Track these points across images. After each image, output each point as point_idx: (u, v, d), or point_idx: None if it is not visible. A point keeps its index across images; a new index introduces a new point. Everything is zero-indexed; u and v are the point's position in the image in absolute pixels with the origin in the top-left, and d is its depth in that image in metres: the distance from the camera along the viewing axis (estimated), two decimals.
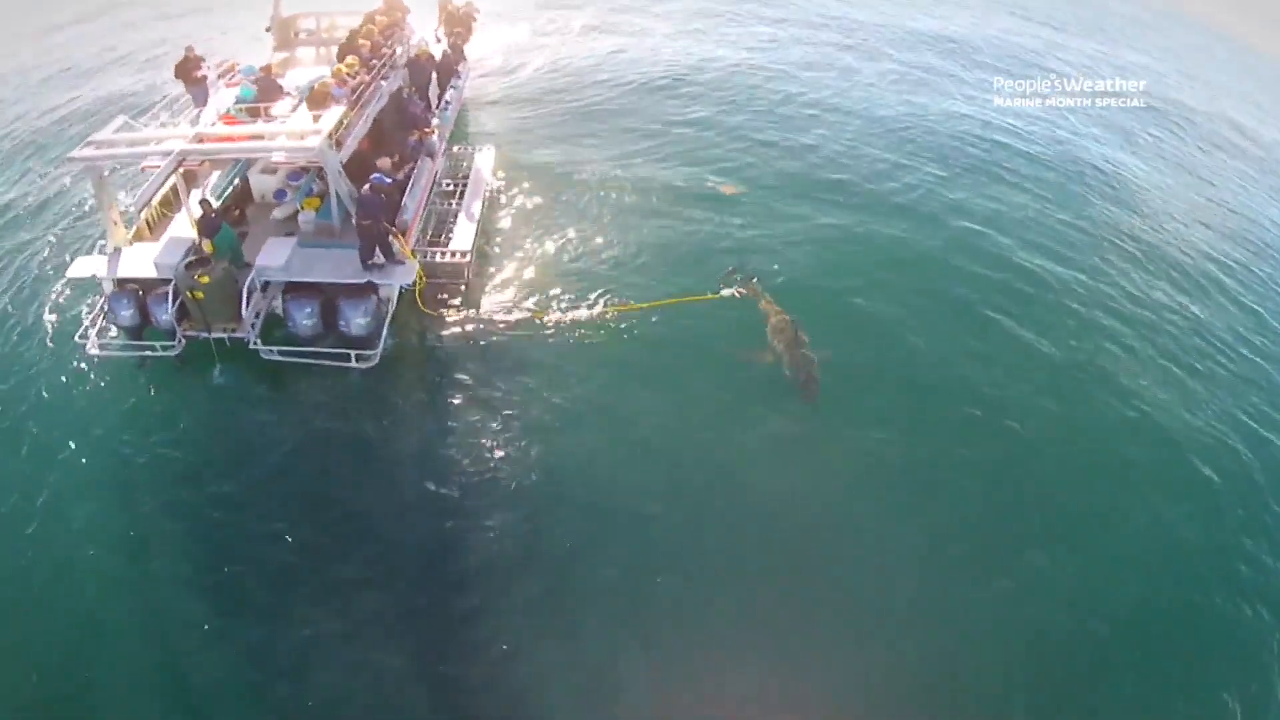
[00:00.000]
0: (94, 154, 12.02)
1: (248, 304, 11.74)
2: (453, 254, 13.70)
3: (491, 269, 14.53)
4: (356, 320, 11.92)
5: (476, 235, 14.29)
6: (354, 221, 12.14)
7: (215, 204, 13.29)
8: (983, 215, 16.97)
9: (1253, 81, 34.26)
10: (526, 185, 17.03)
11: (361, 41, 14.74)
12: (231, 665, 8.92)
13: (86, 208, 16.37)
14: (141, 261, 12.27)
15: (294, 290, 12.11)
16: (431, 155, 15.23)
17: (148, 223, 13.27)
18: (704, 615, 9.32)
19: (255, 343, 11.76)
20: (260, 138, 12.23)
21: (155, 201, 13.12)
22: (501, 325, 13.12)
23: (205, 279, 11.50)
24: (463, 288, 13.68)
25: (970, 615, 9.45)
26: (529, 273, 14.44)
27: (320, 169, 12.66)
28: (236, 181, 14.72)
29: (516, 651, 9.02)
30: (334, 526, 10.29)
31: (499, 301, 13.69)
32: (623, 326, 13.10)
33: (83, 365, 12.22)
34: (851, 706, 8.50)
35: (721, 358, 12.59)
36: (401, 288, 12.60)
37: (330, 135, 12.07)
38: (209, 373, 12.07)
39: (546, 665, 8.90)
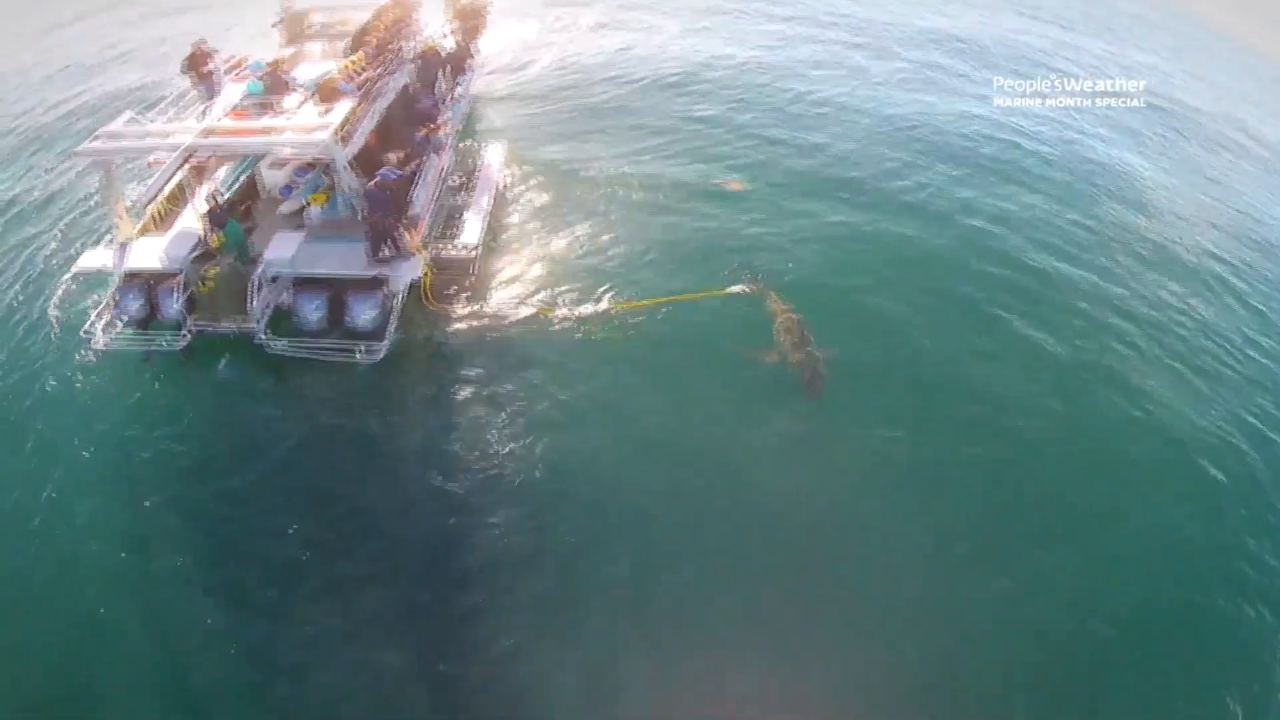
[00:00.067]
0: (102, 147, 12.07)
1: (255, 297, 11.76)
2: (460, 248, 13.70)
3: (499, 264, 14.51)
4: (364, 314, 11.96)
5: (484, 230, 14.29)
6: (361, 216, 12.14)
7: (223, 198, 13.31)
8: (990, 214, 16.87)
9: (1253, 81, 34.07)
10: (535, 181, 17.02)
11: (369, 37, 14.72)
12: (232, 664, 8.93)
13: (91, 202, 16.43)
14: (150, 254, 12.32)
15: (302, 284, 12.15)
16: (439, 150, 15.21)
17: (154, 217, 13.30)
18: (707, 614, 9.30)
19: (263, 336, 11.78)
20: (268, 132, 12.26)
21: (163, 195, 13.15)
22: (508, 321, 13.10)
23: (213, 272, 11.53)
24: (470, 282, 13.67)
25: (972, 614, 9.43)
26: (536, 268, 14.42)
27: (328, 164, 12.68)
28: (244, 176, 14.74)
29: (518, 650, 9.02)
30: (338, 522, 10.30)
31: (506, 297, 13.66)
32: (629, 323, 13.08)
33: (88, 359, 12.26)
34: (853, 706, 8.49)
35: (727, 355, 12.55)
36: (409, 282, 12.59)
37: (338, 130, 12.08)
38: (213, 367, 12.11)
39: (548, 664, 8.89)
